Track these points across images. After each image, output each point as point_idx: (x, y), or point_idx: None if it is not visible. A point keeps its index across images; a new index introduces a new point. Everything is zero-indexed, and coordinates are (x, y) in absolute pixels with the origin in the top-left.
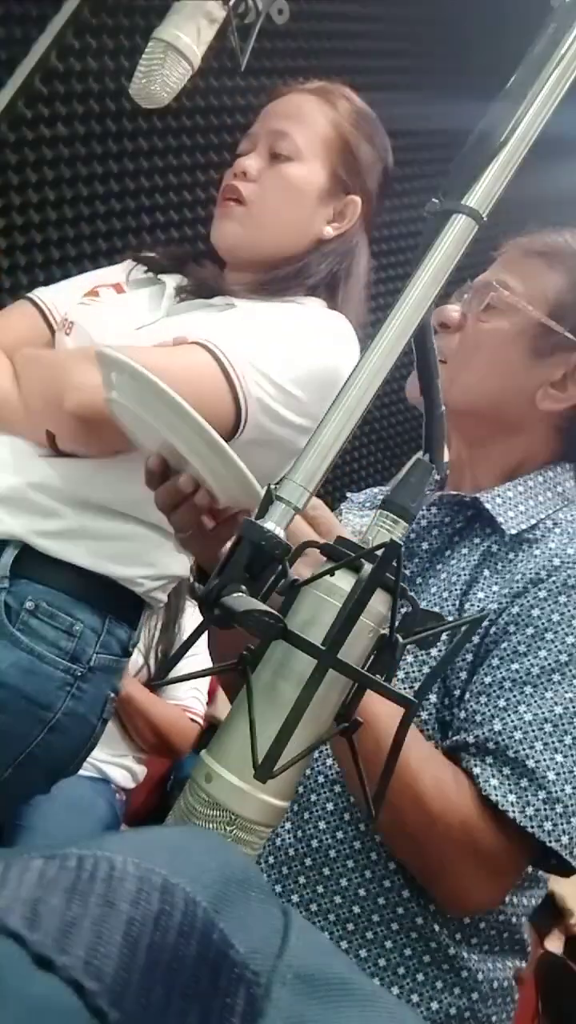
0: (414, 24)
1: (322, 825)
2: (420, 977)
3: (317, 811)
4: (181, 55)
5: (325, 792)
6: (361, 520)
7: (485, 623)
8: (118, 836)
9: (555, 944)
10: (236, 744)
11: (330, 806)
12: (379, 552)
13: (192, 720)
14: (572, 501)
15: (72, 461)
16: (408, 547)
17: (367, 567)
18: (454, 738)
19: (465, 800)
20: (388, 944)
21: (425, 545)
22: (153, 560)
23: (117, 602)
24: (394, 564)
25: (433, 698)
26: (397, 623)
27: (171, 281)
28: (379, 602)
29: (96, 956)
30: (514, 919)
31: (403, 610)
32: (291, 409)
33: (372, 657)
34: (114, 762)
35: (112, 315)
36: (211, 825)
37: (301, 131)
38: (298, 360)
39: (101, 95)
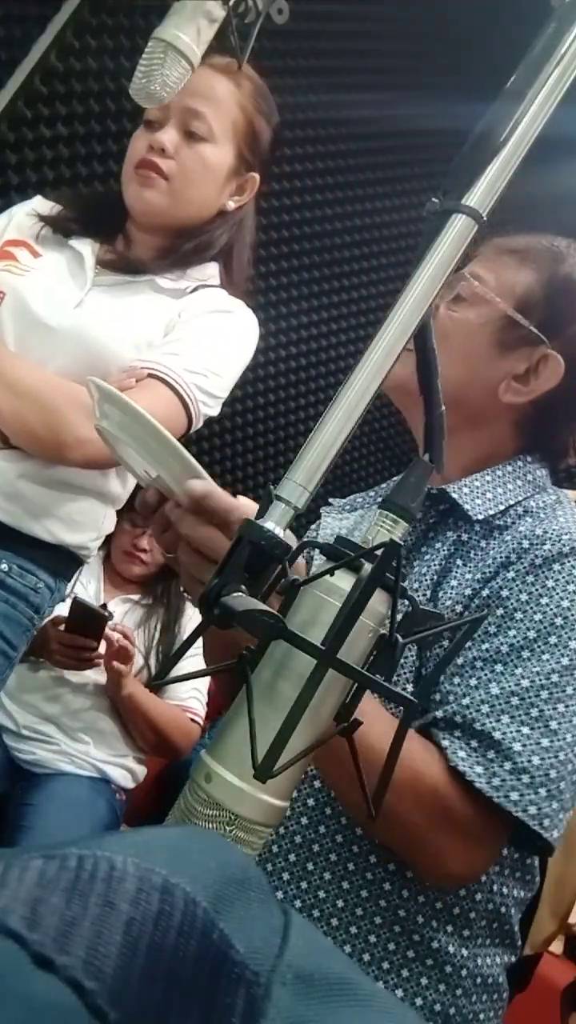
0: (413, 24)
1: (304, 821)
2: (405, 973)
3: (298, 807)
4: (181, 55)
5: (306, 788)
6: (339, 523)
7: (459, 607)
8: (118, 836)
9: (555, 945)
10: (236, 744)
11: (311, 801)
12: (379, 552)
13: (192, 720)
14: (543, 489)
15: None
16: None
17: (367, 567)
18: (426, 716)
19: (435, 770)
20: (372, 939)
21: None
22: (99, 525)
23: (65, 565)
24: (394, 564)
25: (409, 687)
26: (397, 623)
27: (85, 249)
28: (379, 602)
29: (96, 956)
30: (503, 908)
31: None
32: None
33: (372, 657)
34: (114, 762)
35: (45, 289)
36: (211, 825)
37: (214, 113)
38: (228, 371)
39: (101, 95)
